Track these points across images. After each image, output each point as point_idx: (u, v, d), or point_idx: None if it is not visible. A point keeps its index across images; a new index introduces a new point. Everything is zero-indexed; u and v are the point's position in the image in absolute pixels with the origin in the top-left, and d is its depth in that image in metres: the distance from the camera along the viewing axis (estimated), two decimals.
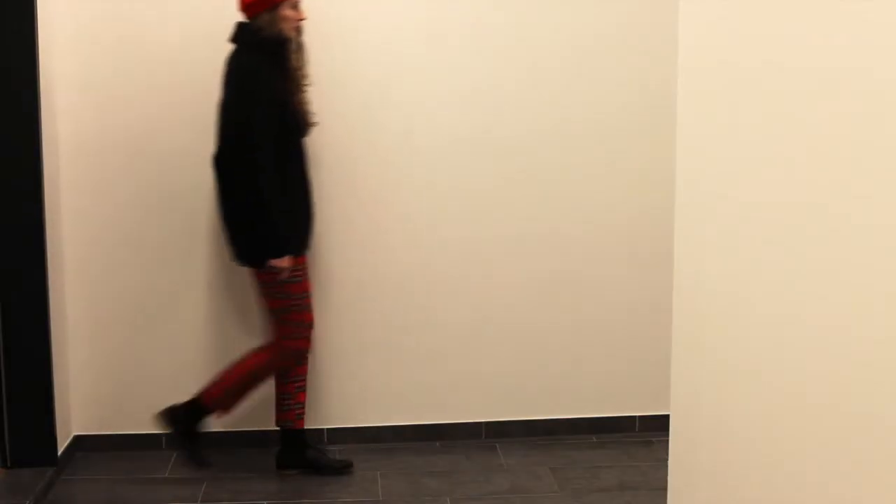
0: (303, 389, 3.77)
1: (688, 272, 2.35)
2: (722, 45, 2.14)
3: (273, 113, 3.50)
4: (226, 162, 3.54)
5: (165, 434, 3.89)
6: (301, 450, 3.78)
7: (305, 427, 3.80)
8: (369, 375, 4.05)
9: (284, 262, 3.54)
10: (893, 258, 1.54)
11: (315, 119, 3.69)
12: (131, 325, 3.93)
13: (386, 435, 4.06)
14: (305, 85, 3.63)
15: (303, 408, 3.77)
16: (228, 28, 3.82)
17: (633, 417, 4.18)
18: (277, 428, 3.79)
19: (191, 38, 3.83)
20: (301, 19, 3.59)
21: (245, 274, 3.94)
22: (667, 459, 2.49)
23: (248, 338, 3.97)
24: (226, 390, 3.70)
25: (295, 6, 3.56)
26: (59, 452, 3.70)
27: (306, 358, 3.77)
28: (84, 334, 3.91)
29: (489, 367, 4.09)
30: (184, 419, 3.70)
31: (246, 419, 4.00)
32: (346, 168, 3.93)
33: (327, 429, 4.04)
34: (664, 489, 2.51)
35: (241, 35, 3.56)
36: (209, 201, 3.90)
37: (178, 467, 3.84)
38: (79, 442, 3.94)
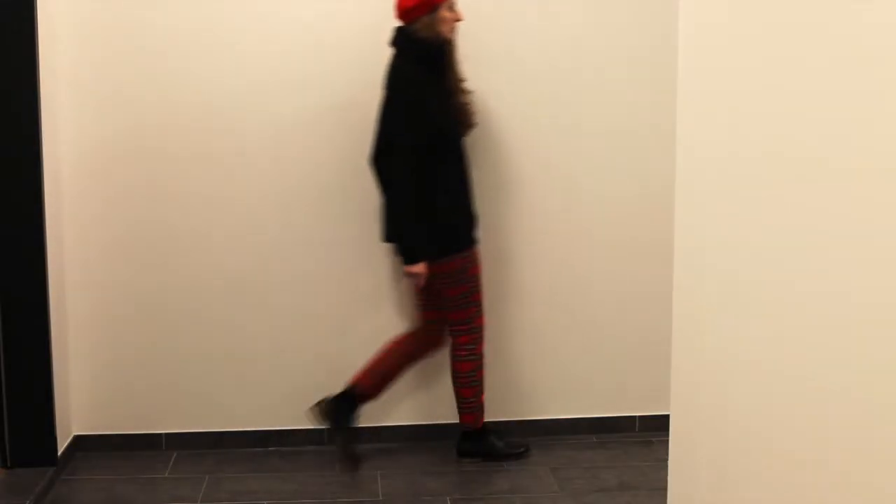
0: (407, 366, 3.91)
1: (688, 272, 2.35)
2: (721, 40, 2.14)
3: (424, 119, 3.57)
4: (378, 163, 3.65)
5: (164, 434, 3.93)
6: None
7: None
8: None
9: (419, 269, 3.62)
10: (892, 260, 1.54)
11: (476, 119, 3.76)
12: (131, 326, 3.93)
13: (386, 435, 4.07)
14: (463, 84, 3.70)
15: (408, 364, 3.91)
16: (231, 28, 3.83)
17: (633, 417, 4.18)
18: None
19: (193, 38, 3.83)
20: (458, 20, 3.65)
21: (246, 272, 3.94)
22: (667, 459, 2.49)
23: (248, 336, 3.97)
24: (473, 408, 3.87)
25: (451, 7, 3.63)
26: (59, 452, 3.70)
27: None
28: (84, 334, 3.91)
29: (489, 367, 4.08)
30: (492, 451, 3.91)
31: (246, 419, 4.01)
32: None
33: (327, 429, 4.04)
34: (664, 489, 2.51)
35: (401, 39, 3.62)
36: (210, 201, 3.90)
37: (178, 467, 3.84)
38: (79, 442, 3.94)
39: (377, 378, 3.83)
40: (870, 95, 1.58)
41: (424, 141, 3.58)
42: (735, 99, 2.07)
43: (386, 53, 3.65)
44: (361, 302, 4.01)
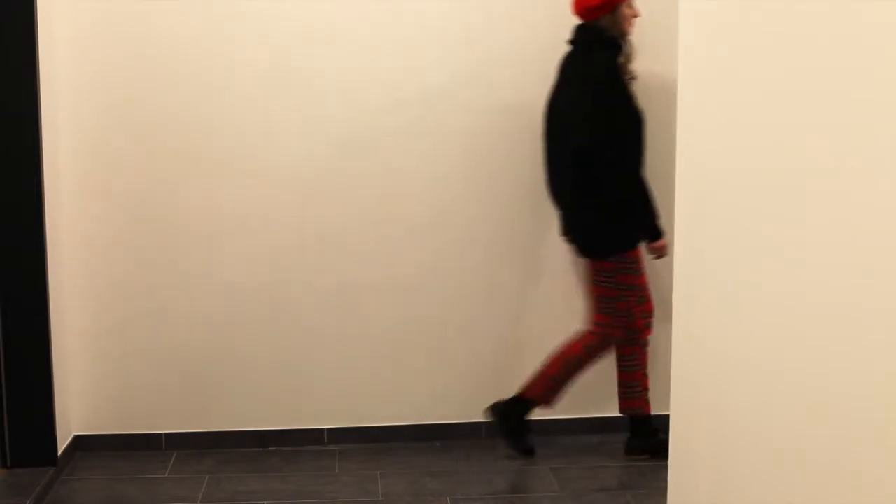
0: (646, 375, 3.88)
1: (688, 273, 2.35)
2: (721, 36, 2.14)
3: (628, 110, 3.66)
4: (595, 157, 3.64)
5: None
6: (651, 434, 3.86)
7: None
8: (369, 375, 4.05)
9: (664, 242, 3.73)
10: (891, 262, 1.54)
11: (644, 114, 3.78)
12: (131, 325, 3.93)
13: (386, 435, 4.07)
14: (632, 80, 3.74)
15: (648, 393, 3.87)
16: (229, 28, 3.83)
17: None
18: (622, 415, 3.94)
19: (193, 37, 3.83)
20: (636, 16, 3.72)
21: (245, 272, 3.94)
22: (667, 460, 2.50)
23: (248, 336, 3.98)
24: (546, 384, 3.83)
25: (630, 5, 3.69)
26: (59, 452, 3.70)
27: (648, 343, 3.88)
28: (84, 334, 3.90)
29: (489, 367, 4.09)
30: (511, 414, 3.88)
31: (246, 419, 4.01)
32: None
33: (327, 429, 4.04)
34: (664, 489, 2.52)
35: (588, 36, 3.69)
36: (207, 202, 3.90)
37: (178, 467, 3.84)
38: (79, 442, 3.94)
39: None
40: (871, 100, 1.58)
41: (629, 130, 3.66)
42: (736, 98, 2.07)
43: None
44: (360, 301, 4.01)
